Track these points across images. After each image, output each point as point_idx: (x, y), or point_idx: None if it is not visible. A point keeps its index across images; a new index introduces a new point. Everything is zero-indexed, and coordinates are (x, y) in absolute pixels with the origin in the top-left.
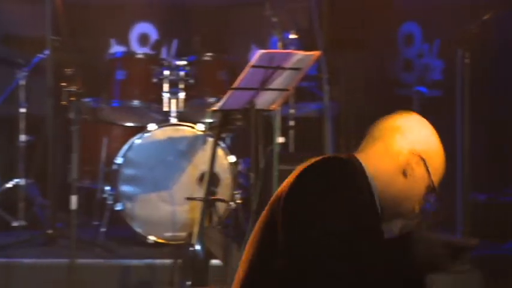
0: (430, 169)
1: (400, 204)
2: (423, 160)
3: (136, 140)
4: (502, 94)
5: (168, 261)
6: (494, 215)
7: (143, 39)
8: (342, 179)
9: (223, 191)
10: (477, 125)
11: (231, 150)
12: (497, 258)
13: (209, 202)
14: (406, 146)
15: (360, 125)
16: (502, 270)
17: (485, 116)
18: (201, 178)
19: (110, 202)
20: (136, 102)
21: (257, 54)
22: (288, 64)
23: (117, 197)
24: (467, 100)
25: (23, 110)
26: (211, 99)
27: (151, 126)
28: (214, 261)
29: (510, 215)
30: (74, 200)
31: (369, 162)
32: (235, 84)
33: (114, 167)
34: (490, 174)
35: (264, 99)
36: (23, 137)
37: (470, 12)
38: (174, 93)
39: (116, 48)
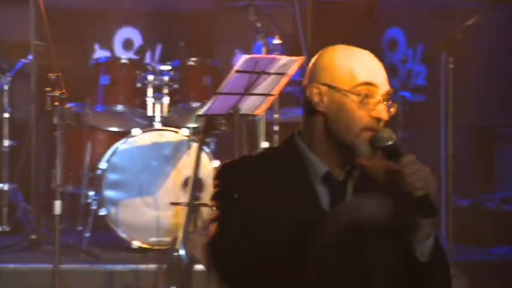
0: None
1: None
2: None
3: (121, 145)
4: (485, 99)
5: (152, 266)
6: (479, 220)
7: (127, 44)
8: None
9: (208, 196)
10: (461, 130)
11: (215, 155)
12: (483, 263)
13: (193, 207)
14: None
15: None
16: (488, 276)
17: (469, 121)
18: (185, 183)
19: (94, 207)
20: (120, 107)
21: (241, 59)
22: (273, 69)
23: (101, 202)
24: (451, 105)
25: (6, 115)
26: (196, 104)
27: (136, 131)
28: (199, 266)
29: (494, 220)
30: (57, 205)
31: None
32: (220, 89)
33: (98, 172)
34: (474, 180)
35: (249, 104)
36: (6, 142)
37: (454, 18)
38: (158, 98)
39: (100, 53)
